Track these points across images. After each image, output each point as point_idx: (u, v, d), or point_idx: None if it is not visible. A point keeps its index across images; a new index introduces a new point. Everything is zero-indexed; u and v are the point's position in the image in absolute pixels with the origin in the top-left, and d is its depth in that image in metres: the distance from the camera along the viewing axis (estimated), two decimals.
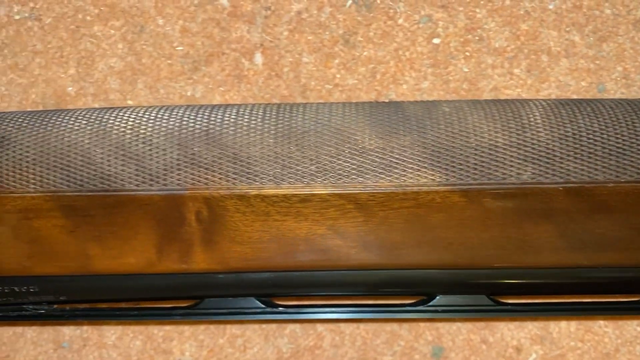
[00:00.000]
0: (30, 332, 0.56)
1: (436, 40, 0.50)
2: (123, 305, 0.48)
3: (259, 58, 0.50)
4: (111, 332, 0.55)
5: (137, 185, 0.41)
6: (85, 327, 0.55)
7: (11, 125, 0.43)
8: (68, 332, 0.56)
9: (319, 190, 0.41)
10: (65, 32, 0.51)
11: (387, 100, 0.50)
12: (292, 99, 0.50)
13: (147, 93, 0.51)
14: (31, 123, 0.43)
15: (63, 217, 0.41)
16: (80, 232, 0.42)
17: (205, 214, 0.41)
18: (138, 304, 0.47)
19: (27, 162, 0.41)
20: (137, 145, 0.41)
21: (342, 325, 0.53)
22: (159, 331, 0.54)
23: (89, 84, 0.52)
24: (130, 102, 0.51)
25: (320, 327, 0.53)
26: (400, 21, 0.49)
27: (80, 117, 0.43)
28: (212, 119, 0.42)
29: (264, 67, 0.50)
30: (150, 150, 0.41)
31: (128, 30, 0.51)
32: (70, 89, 0.52)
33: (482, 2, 0.49)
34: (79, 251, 0.42)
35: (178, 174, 0.41)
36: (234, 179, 0.40)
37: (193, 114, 0.43)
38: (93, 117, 0.43)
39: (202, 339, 0.54)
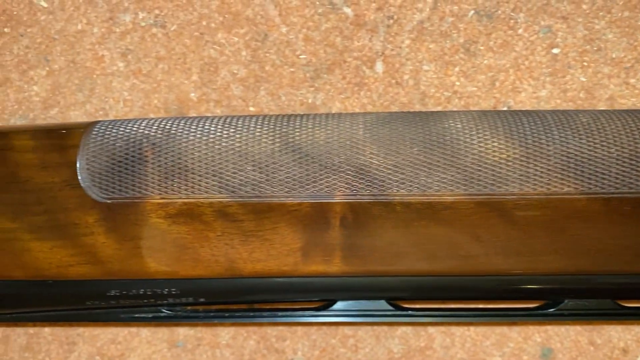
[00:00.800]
0: (145, 332, 0.57)
1: (555, 50, 0.51)
2: (256, 306, 0.50)
3: (379, 66, 0.51)
4: (225, 332, 0.56)
5: (287, 192, 0.42)
6: (199, 327, 0.56)
7: (159, 132, 0.44)
8: (183, 331, 0.57)
9: (464, 198, 0.42)
10: (189, 39, 0.52)
11: (505, 109, 0.51)
12: (410, 107, 0.51)
13: (269, 100, 0.52)
14: (179, 129, 0.44)
15: (213, 223, 0.43)
16: (227, 237, 0.43)
17: (350, 220, 0.42)
18: (272, 305, 0.49)
19: (180, 168, 0.43)
20: (286, 153, 0.43)
21: (453, 327, 0.55)
22: (272, 331, 0.55)
23: (211, 90, 0.53)
24: (252, 109, 0.52)
25: (431, 328, 0.54)
26: (520, 31, 0.50)
27: (227, 125, 0.45)
28: (355, 128, 0.44)
29: (385, 75, 0.51)
30: (299, 158, 0.42)
31: (252, 38, 0.52)
32: (192, 95, 0.53)
33: (601, 14, 0.50)
34: (225, 255, 0.44)
35: (327, 181, 0.42)
36: (380, 186, 0.42)
37: (335, 122, 0.44)
38: (240, 124, 0.44)
39: (315, 338, 0.55)
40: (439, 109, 0.51)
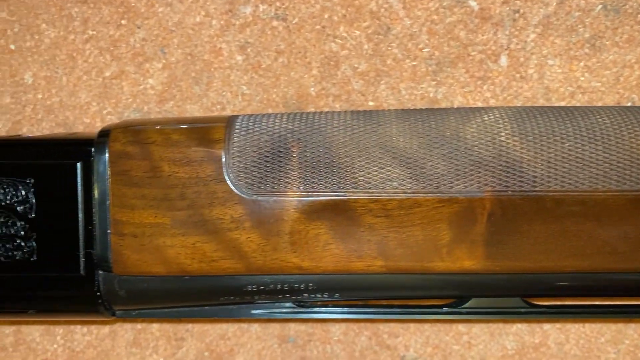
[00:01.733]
0: (255, 327, 0.56)
1: None
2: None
3: (504, 60, 0.51)
4: (336, 328, 0.55)
5: (435, 187, 0.41)
6: (311, 323, 0.56)
7: (303, 126, 0.44)
8: (294, 327, 0.56)
9: (616, 194, 0.41)
10: (310, 33, 0.52)
11: (630, 104, 0.51)
12: (534, 101, 0.51)
13: (389, 94, 0.52)
14: (322, 124, 0.44)
15: (359, 218, 0.42)
16: (372, 233, 0.43)
17: (498, 216, 0.42)
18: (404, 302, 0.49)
19: (325, 163, 0.42)
20: (434, 148, 0.42)
21: (568, 323, 0.54)
22: (384, 327, 0.55)
23: (331, 85, 0.52)
24: (371, 104, 0.52)
25: (546, 325, 0.54)
26: None
27: (368, 119, 0.44)
28: (500, 122, 0.43)
29: (509, 69, 0.51)
30: (448, 153, 0.42)
31: (374, 32, 0.51)
32: (312, 89, 0.52)
33: None
34: (368, 251, 0.43)
35: (477, 177, 0.42)
36: (532, 182, 0.41)
37: (478, 117, 0.44)
38: (381, 119, 0.44)
39: (428, 335, 0.55)
40: (563, 104, 0.51)
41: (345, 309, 0.47)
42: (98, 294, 0.45)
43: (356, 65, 0.51)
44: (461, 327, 0.55)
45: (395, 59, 0.51)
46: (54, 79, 0.54)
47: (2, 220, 0.44)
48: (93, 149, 0.43)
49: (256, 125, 0.44)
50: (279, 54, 0.52)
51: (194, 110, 0.53)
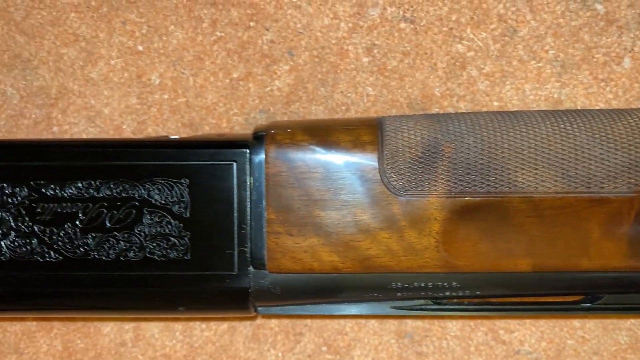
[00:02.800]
0: (373, 323, 0.57)
1: None
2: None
3: (627, 62, 0.52)
4: (453, 324, 0.56)
5: (587, 187, 0.43)
6: (428, 319, 0.57)
7: (452, 127, 0.45)
8: (411, 323, 0.57)
9: None
10: (438, 35, 0.52)
11: None
12: None
13: (513, 95, 0.53)
14: (469, 125, 0.45)
15: (511, 218, 0.43)
16: (524, 232, 0.44)
17: None
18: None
19: (476, 164, 0.43)
20: (587, 149, 0.43)
21: None
22: (500, 323, 0.56)
23: (456, 86, 0.53)
24: (495, 104, 0.52)
25: None
26: None
27: (514, 121, 0.45)
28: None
29: (632, 71, 0.52)
30: (601, 154, 0.43)
31: (501, 34, 0.52)
32: (437, 90, 0.53)
33: None
34: (520, 249, 0.45)
35: (628, 177, 0.43)
36: None
37: (612, 118, 0.45)
38: (524, 120, 0.45)
39: (543, 330, 0.56)
40: None
41: (484, 306, 0.49)
42: (249, 291, 0.46)
43: (482, 66, 0.52)
44: (576, 322, 0.56)
45: (520, 61, 0.52)
46: (181, 80, 0.54)
47: (157, 219, 0.45)
48: (248, 151, 0.45)
49: (405, 127, 0.45)
50: (405, 55, 0.53)
51: (318, 112, 0.54)
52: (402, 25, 0.52)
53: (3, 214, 0.45)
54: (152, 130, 0.55)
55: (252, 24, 0.53)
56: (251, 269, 0.45)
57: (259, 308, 0.47)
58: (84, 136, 0.55)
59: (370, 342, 0.58)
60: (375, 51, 0.53)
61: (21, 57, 0.55)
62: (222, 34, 0.54)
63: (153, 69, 0.54)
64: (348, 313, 0.50)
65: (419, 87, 0.53)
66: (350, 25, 0.53)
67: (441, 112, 0.52)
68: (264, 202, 0.44)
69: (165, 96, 0.54)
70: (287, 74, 0.54)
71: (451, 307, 0.49)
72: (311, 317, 0.58)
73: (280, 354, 0.58)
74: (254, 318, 0.57)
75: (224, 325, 0.59)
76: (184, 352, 0.59)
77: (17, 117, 0.56)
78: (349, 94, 0.53)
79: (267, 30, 0.53)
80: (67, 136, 0.55)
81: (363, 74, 0.53)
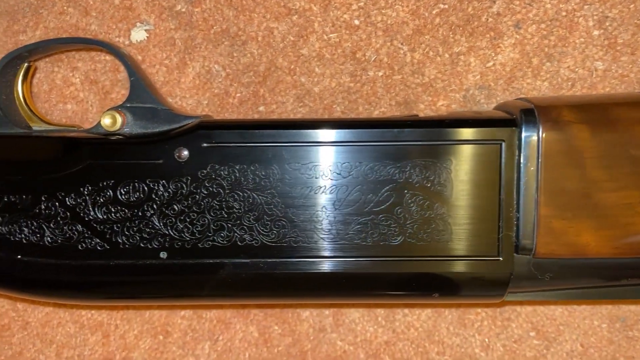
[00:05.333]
0: (583, 308, 0.55)
1: None
2: None
3: None
4: None
5: None
6: None
7: None
8: (625, 307, 0.56)
9: None
10: None
11: None
12: None
13: None
14: None
15: None
16: None
17: None
18: None
19: None
20: None
21: None
22: None
23: None
24: None
25: None
26: None
27: None
28: None
29: None
30: None
31: None
32: None
33: None
34: None
35: None
36: None
37: None
38: None
39: None
40: None
41: None
42: (511, 277, 0.44)
43: None
44: None
45: None
46: (397, 56, 0.52)
47: (418, 202, 0.43)
48: (519, 129, 0.42)
49: None
50: (639, 28, 0.50)
51: (543, 88, 0.51)
52: None
53: (258, 198, 0.44)
54: (363, 110, 0.53)
55: None
56: (517, 255, 0.44)
57: (509, 294, 0.45)
58: (292, 116, 0.53)
59: (579, 327, 0.56)
60: (607, 24, 0.50)
61: (229, 33, 0.53)
62: (445, 6, 0.51)
63: (369, 45, 0.52)
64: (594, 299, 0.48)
65: None
66: None
67: None
68: (535, 184, 0.42)
69: (380, 73, 0.52)
70: (511, 47, 0.51)
71: None
72: (521, 303, 0.56)
73: (486, 340, 0.57)
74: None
75: (428, 311, 0.57)
76: (386, 337, 0.57)
77: (222, 96, 0.53)
78: (576, 69, 0.51)
79: (494, 2, 0.51)
80: (274, 116, 0.53)
81: (592, 48, 0.50)
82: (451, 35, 0.51)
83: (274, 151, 0.43)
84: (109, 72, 0.53)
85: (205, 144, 0.43)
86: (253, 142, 0.43)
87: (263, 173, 0.43)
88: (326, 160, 0.43)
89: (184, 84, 0.53)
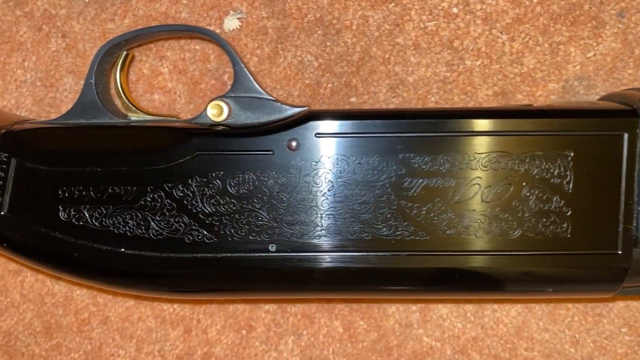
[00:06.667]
0: None
1: None
2: None
3: None
4: None
5: None
6: None
7: None
8: None
9: None
10: None
11: None
12: None
13: None
14: None
15: None
16: None
17: None
18: None
19: None
20: None
21: None
22: None
23: None
24: None
25: None
26: None
27: None
28: None
29: None
30: None
31: None
32: None
33: None
34: None
35: None
36: None
37: None
38: None
39: None
40: None
41: None
42: (629, 272, 0.43)
43: None
44: None
45: None
46: (496, 45, 0.50)
47: (537, 195, 0.42)
48: None
49: None
50: None
51: None
52: None
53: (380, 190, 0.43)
54: (458, 100, 0.52)
55: None
56: (634, 248, 0.43)
57: (622, 288, 0.44)
58: (384, 106, 0.52)
59: None
60: None
61: (323, 21, 0.51)
62: None
63: (467, 33, 0.51)
64: None
65: None
66: None
67: None
68: None
69: (477, 62, 0.51)
70: (613, 37, 0.50)
71: None
72: (613, 298, 0.55)
73: (576, 336, 0.55)
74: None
75: (518, 306, 0.56)
76: (474, 333, 0.56)
77: (314, 87, 0.52)
78: None
79: None
80: (366, 106, 0.52)
81: None
82: (552, 24, 0.50)
83: (388, 141, 0.42)
84: (198, 61, 0.52)
85: (317, 135, 0.43)
86: (367, 132, 0.42)
87: (376, 164, 0.43)
88: (439, 149, 0.42)
89: (275, 75, 0.52)
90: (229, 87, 0.52)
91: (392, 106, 0.51)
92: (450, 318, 0.56)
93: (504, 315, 0.56)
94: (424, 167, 0.42)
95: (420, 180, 0.42)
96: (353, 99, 0.52)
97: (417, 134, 0.42)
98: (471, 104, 0.51)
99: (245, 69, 0.45)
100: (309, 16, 0.51)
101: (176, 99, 0.53)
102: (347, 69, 0.51)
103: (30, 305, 0.57)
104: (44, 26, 0.53)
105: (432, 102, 0.52)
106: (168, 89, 0.53)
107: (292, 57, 0.52)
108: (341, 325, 0.56)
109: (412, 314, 0.56)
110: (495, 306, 0.56)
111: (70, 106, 0.50)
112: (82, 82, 0.52)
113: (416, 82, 0.52)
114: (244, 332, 0.56)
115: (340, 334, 0.56)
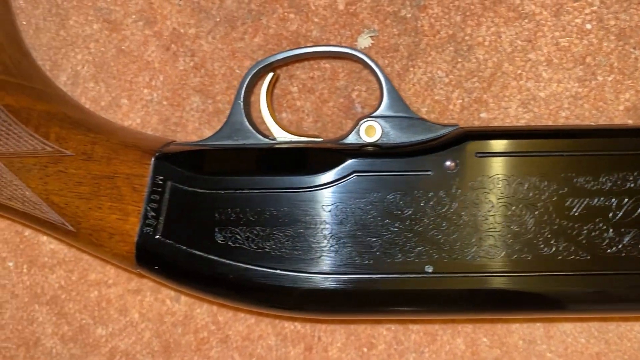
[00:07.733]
0: None
1: None
2: None
3: None
4: None
5: None
6: None
7: None
8: None
9: None
10: None
11: None
12: None
13: None
14: None
15: None
16: None
17: None
18: None
19: None
20: None
21: None
22: None
23: None
24: None
25: None
26: None
27: None
28: None
29: None
30: None
31: None
32: None
33: None
34: None
35: None
36: None
37: None
38: None
39: None
40: None
41: None
42: None
43: None
44: None
45: None
46: (628, 60, 0.49)
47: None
48: None
49: None
50: None
51: None
52: None
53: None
54: (589, 115, 0.51)
55: None
56: None
57: None
58: (515, 123, 0.52)
59: None
60: None
61: (455, 38, 0.51)
62: None
63: (599, 49, 0.51)
64: None
65: None
66: None
67: None
68: None
69: (610, 78, 0.51)
70: None
71: None
72: None
73: None
74: None
75: None
76: (597, 349, 0.56)
77: (443, 103, 0.52)
78: None
79: None
80: (496, 122, 0.52)
81: None
82: None
83: (550, 160, 0.42)
84: (328, 80, 0.52)
85: (477, 154, 0.42)
86: (528, 152, 0.42)
87: (537, 184, 0.42)
88: (602, 168, 0.41)
89: (404, 91, 0.51)
90: (357, 104, 0.53)
91: (522, 122, 0.51)
92: (574, 333, 0.56)
93: (628, 330, 0.55)
94: (586, 186, 0.42)
95: (582, 200, 0.42)
96: (483, 115, 0.52)
97: (580, 153, 0.42)
98: (602, 120, 0.51)
99: (394, 88, 0.45)
100: (441, 33, 0.51)
101: (304, 117, 0.52)
102: (478, 85, 0.51)
103: (149, 324, 0.57)
104: (172, 45, 0.53)
105: (563, 117, 0.51)
106: (296, 108, 0.53)
107: (422, 74, 0.51)
108: (463, 342, 0.56)
109: (535, 330, 0.56)
110: (620, 322, 0.56)
111: (197, 125, 0.51)
112: (210, 101, 0.53)
113: (548, 97, 0.51)
114: (365, 349, 0.56)
115: (462, 351, 0.56)
